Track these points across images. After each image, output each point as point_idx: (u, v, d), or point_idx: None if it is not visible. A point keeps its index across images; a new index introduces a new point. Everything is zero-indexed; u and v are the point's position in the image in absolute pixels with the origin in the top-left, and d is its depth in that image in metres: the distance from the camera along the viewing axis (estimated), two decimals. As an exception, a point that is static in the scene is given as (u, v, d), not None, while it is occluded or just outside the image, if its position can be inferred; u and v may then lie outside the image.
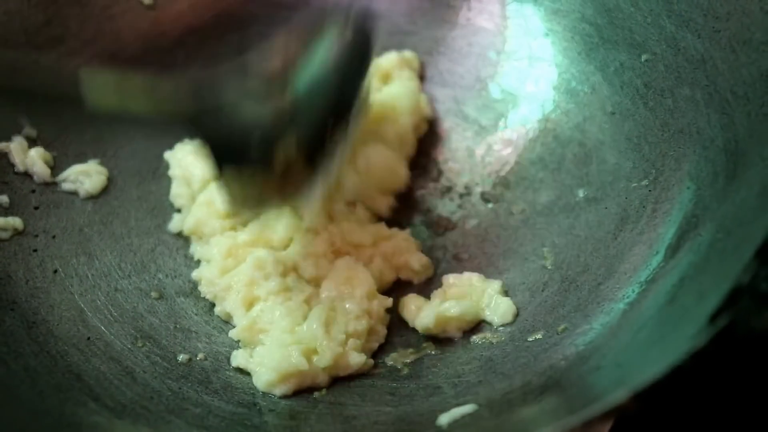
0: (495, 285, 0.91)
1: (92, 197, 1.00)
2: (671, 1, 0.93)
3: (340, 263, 0.92)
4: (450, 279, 0.93)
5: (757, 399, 0.75)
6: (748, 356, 0.62)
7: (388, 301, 0.91)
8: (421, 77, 1.10)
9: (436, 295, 0.92)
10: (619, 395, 0.58)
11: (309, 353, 0.84)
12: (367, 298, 0.89)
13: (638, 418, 0.76)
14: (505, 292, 0.91)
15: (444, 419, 0.76)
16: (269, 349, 0.85)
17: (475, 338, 0.88)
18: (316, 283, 0.92)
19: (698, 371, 0.57)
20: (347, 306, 0.88)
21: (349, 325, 0.87)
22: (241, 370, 0.87)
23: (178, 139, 1.05)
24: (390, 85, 1.07)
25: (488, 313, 0.90)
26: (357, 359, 0.85)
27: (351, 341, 0.86)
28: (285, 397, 0.84)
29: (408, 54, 1.10)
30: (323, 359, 0.84)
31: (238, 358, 0.87)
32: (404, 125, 1.03)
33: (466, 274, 0.93)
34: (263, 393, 0.84)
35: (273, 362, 0.84)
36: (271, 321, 0.88)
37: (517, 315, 0.89)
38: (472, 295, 0.91)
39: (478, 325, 0.90)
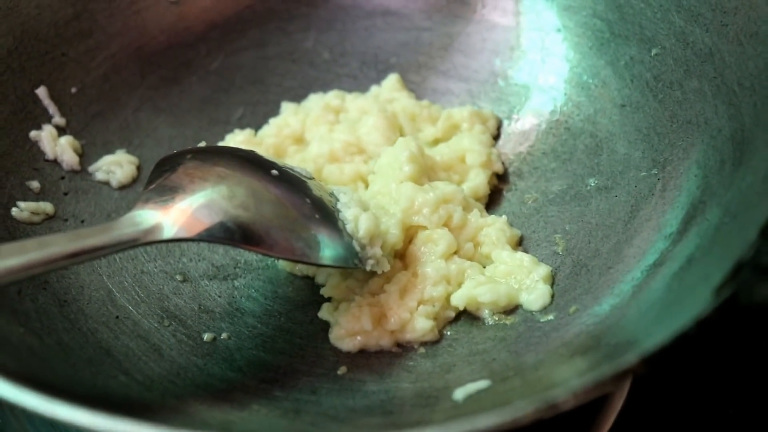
0: (542, 270, 0.93)
1: (124, 187, 1.04)
2: (680, -5, 0.96)
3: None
4: (503, 255, 0.95)
5: (759, 363, 0.78)
6: (751, 323, 0.65)
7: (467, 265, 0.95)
8: (496, 135, 1.10)
9: (486, 270, 0.95)
10: (628, 359, 0.61)
11: (379, 317, 0.90)
12: (447, 264, 0.94)
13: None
14: (552, 280, 0.93)
15: (459, 394, 0.78)
16: (348, 307, 0.91)
17: (489, 320, 0.91)
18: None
19: (704, 338, 0.60)
20: (428, 271, 0.93)
21: (425, 291, 0.92)
22: (264, 349, 0.90)
23: (206, 129, 1.11)
24: (459, 136, 1.08)
25: (524, 296, 0.92)
26: (423, 325, 0.89)
27: (422, 308, 0.90)
28: (305, 374, 0.87)
29: (486, 111, 1.11)
30: (389, 324, 0.90)
31: (324, 311, 0.93)
32: (479, 182, 1.03)
33: (519, 254, 0.95)
34: (285, 371, 0.87)
35: (345, 320, 0.90)
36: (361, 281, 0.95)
37: (549, 305, 0.91)
38: (517, 276, 0.93)
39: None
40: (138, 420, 0.62)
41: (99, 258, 0.85)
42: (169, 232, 0.82)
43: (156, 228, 0.81)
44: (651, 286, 0.82)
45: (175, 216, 0.82)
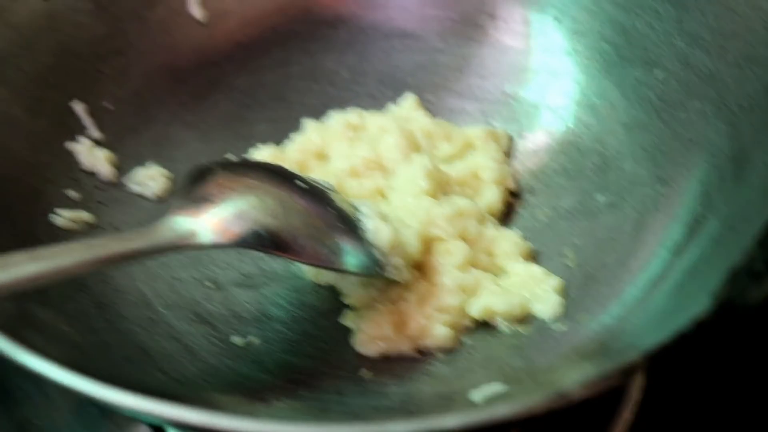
0: (554, 281, 0.97)
1: (159, 198, 1.10)
2: (682, 20, 1.02)
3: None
4: (517, 267, 1.00)
5: (753, 361, 0.83)
6: (745, 324, 0.70)
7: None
8: (508, 153, 1.15)
9: (500, 281, 0.99)
10: (632, 355, 0.66)
11: (399, 324, 0.95)
12: (464, 274, 0.98)
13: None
14: (563, 290, 0.97)
15: (476, 396, 0.83)
16: (370, 314, 0.96)
17: (504, 328, 0.96)
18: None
19: (702, 337, 0.66)
20: (445, 281, 0.97)
21: (442, 300, 0.96)
22: (291, 353, 0.95)
23: (231, 144, 1.16)
24: (474, 153, 1.13)
25: (537, 306, 0.96)
26: (441, 332, 0.94)
27: (440, 316, 0.95)
28: (330, 376, 0.92)
29: (499, 130, 1.15)
30: (409, 331, 0.95)
31: (347, 318, 0.98)
32: (493, 198, 1.08)
33: (532, 266, 1.00)
34: (311, 373, 0.92)
35: (367, 326, 0.95)
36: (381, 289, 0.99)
37: (560, 314, 0.95)
38: (530, 287, 0.98)
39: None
40: (184, 406, 0.67)
41: (139, 261, 0.90)
42: (203, 238, 0.87)
43: (191, 234, 0.86)
44: (655, 295, 0.87)
45: (208, 223, 0.88)
